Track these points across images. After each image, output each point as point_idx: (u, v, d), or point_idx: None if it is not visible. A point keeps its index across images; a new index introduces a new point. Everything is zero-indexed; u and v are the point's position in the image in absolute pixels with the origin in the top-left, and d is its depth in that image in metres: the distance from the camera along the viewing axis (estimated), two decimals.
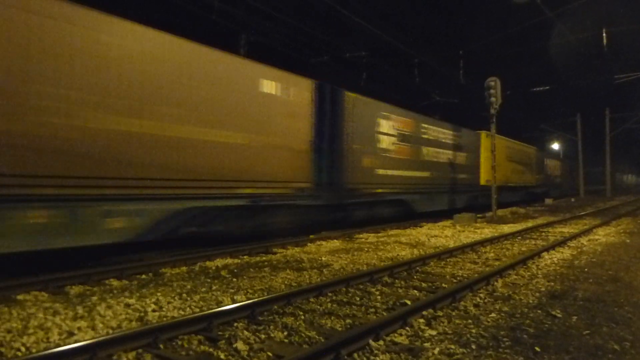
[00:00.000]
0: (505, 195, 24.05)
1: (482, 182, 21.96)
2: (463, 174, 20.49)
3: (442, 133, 18.79)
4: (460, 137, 20.38)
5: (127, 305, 5.41)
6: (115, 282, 6.87)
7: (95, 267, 7.65)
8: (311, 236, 11.81)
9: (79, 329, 4.56)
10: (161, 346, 4.14)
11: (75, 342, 4.01)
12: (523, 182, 27.85)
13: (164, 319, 4.92)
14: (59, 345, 4.01)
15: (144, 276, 7.32)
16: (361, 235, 12.64)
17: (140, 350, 4.03)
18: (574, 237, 11.83)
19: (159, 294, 6.00)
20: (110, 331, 4.52)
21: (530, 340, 4.27)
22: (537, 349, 4.04)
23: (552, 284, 6.62)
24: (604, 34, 18.43)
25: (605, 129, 37.34)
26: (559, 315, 5.02)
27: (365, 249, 10.00)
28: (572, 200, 34.15)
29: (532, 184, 30.62)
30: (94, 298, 5.80)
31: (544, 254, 9.20)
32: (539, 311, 5.20)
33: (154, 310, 5.25)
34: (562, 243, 10.66)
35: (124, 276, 7.19)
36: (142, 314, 5.10)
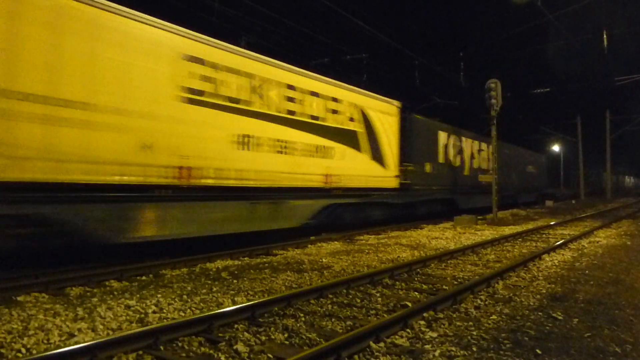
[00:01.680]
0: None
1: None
2: None
3: None
4: None
5: (128, 307, 5.40)
6: (115, 284, 6.86)
7: (95, 268, 7.65)
8: (312, 237, 11.80)
9: (79, 330, 4.56)
10: (161, 348, 4.13)
11: (76, 343, 4.01)
12: (337, 181, 12.53)
13: (165, 320, 4.91)
14: (59, 347, 4.01)
15: (144, 277, 7.31)
16: (361, 237, 12.62)
17: (140, 352, 4.02)
18: (574, 239, 11.81)
19: (159, 295, 5.99)
20: (111, 332, 4.51)
21: (531, 342, 4.26)
22: (538, 351, 4.03)
23: (553, 286, 6.60)
24: (605, 36, 18.46)
25: (606, 131, 37.35)
26: (560, 318, 5.01)
27: (366, 251, 9.99)
28: (573, 202, 34.15)
29: (382, 185, 14.47)
30: (95, 299, 5.79)
31: (545, 255, 9.19)
32: (540, 313, 5.19)
33: (154, 312, 5.24)
34: (562, 245, 10.65)
35: (124, 277, 7.18)
36: (143, 316, 5.10)
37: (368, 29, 15.16)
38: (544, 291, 6.27)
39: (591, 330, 4.62)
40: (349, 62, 18.79)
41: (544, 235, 13.17)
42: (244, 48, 16.66)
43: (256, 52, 10.77)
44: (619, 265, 8.18)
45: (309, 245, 10.90)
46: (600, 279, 7.07)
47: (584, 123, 37.70)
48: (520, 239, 12.30)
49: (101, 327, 4.67)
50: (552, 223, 16.54)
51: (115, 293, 6.19)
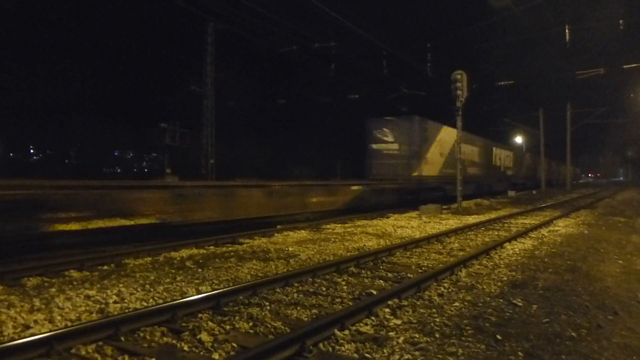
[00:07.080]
0: None
1: None
2: None
3: None
4: None
5: (88, 297, 5.26)
6: (75, 273, 6.67)
7: (54, 257, 7.41)
8: (278, 226, 11.76)
9: (36, 321, 4.41)
10: (122, 338, 4.04)
11: (31, 335, 3.88)
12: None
13: (126, 310, 4.80)
14: (13, 339, 3.86)
15: (105, 267, 7.14)
16: (328, 226, 12.66)
17: (100, 343, 3.92)
18: (535, 228, 12.15)
19: (121, 285, 5.86)
20: (69, 323, 4.38)
21: (492, 328, 4.35)
22: (499, 337, 4.13)
23: (514, 273, 6.77)
24: (567, 31, 18.88)
25: (567, 124, 38.47)
26: (519, 304, 5.14)
27: (332, 240, 10.02)
28: (534, 192, 35.13)
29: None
30: (52, 290, 5.61)
31: (506, 244, 9.41)
32: (501, 300, 5.31)
33: (115, 302, 5.12)
34: (523, 234, 10.94)
35: (85, 267, 6.99)
36: (103, 306, 4.97)
37: (337, 18, 15.05)
38: (505, 278, 6.43)
39: (549, 316, 4.76)
40: (317, 50, 18.67)
41: (505, 225, 13.51)
42: (211, 35, 16.30)
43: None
44: (576, 254, 8.45)
45: (276, 234, 10.86)
46: (558, 266, 7.29)
47: (548, 116, 38.60)
48: (483, 228, 12.57)
49: (59, 318, 4.53)
50: (513, 212, 16.98)
51: (75, 283, 6.02)
